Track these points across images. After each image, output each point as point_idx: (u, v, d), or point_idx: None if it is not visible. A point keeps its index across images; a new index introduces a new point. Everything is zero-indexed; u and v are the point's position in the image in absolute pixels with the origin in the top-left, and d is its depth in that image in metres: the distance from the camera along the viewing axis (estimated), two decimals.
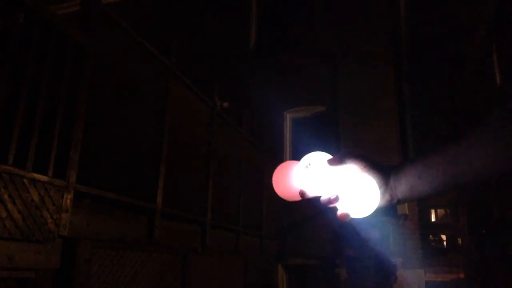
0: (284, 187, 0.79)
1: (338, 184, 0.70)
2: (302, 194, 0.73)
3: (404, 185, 0.70)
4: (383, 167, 0.71)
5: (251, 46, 8.84)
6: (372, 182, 0.69)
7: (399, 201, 0.72)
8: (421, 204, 7.24)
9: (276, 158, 7.28)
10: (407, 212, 6.76)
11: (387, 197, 0.71)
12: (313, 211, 7.29)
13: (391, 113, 7.29)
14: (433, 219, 29.85)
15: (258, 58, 8.61)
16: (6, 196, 1.89)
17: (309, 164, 0.73)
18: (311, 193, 0.73)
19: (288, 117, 8.15)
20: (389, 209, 6.73)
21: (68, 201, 2.27)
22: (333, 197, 0.69)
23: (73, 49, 2.44)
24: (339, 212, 0.70)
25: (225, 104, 6.90)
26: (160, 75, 3.50)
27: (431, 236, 26.69)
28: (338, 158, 0.71)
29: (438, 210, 29.90)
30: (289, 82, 7.83)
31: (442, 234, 28.78)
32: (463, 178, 0.66)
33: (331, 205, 0.70)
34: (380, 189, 0.70)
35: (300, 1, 8.70)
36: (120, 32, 2.96)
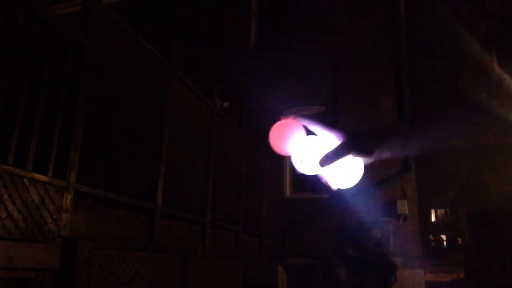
0: (281, 148, 0.93)
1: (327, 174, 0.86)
2: (298, 174, 0.90)
3: (386, 153, 0.84)
4: (367, 149, 0.84)
5: (251, 46, 8.84)
6: (356, 161, 0.83)
7: (382, 160, 0.86)
8: (421, 204, 7.24)
9: (276, 158, 7.28)
10: (407, 212, 6.76)
11: (369, 161, 0.85)
12: (313, 211, 7.29)
13: (391, 113, 7.29)
14: (433, 219, 29.86)
15: (258, 58, 8.60)
16: (6, 196, 1.89)
17: (302, 162, 0.88)
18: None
19: None
20: (389, 210, 6.73)
21: (68, 201, 2.27)
22: (323, 180, 0.87)
23: (73, 49, 2.44)
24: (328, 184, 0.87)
25: (225, 104, 6.90)
26: (160, 75, 3.50)
27: (431, 236, 26.70)
28: (328, 159, 0.84)
29: (438, 210, 29.92)
30: (289, 82, 7.83)
31: (442, 234, 28.80)
32: (436, 149, 0.84)
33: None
34: (364, 159, 0.84)
35: (300, 1, 8.70)
36: (120, 32, 2.96)
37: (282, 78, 7.99)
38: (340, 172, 0.83)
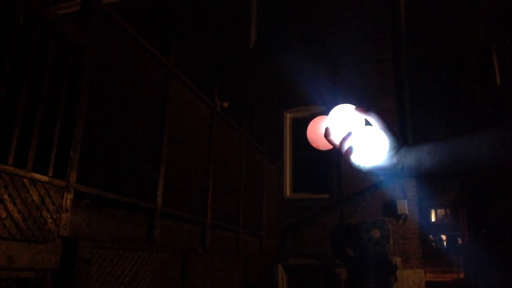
0: (316, 136, 0.89)
1: (355, 131, 0.80)
2: (326, 131, 0.83)
3: (413, 155, 0.79)
4: (399, 137, 0.81)
5: (251, 46, 8.84)
6: (384, 138, 0.79)
7: (403, 170, 0.80)
8: (421, 204, 7.24)
9: (276, 158, 7.29)
10: (407, 212, 6.76)
11: (394, 160, 0.79)
12: (313, 211, 7.29)
13: (391, 113, 7.29)
14: (433, 219, 29.89)
15: (258, 58, 8.61)
16: (6, 196, 1.89)
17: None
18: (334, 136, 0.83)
19: (288, 117, 8.15)
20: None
21: (68, 201, 2.27)
22: (347, 147, 0.79)
23: (73, 49, 2.44)
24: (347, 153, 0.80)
25: (225, 104, 6.90)
26: (160, 75, 3.50)
27: (431, 236, 26.69)
28: (365, 108, 0.81)
29: (438, 210, 29.94)
30: (289, 82, 7.84)
31: (442, 234, 28.82)
32: (463, 165, 0.75)
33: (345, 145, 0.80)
34: (391, 150, 0.79)
35: (300, 1, 8.70)
36: (120, 32, 2.96)
37: (282, 78, 7.99)
38: (364, 146, 0.78)
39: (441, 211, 29.88)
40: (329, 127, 0.83)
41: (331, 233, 7.10)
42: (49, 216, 2.14)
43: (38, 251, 2.10)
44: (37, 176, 2.07)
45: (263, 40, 8.83)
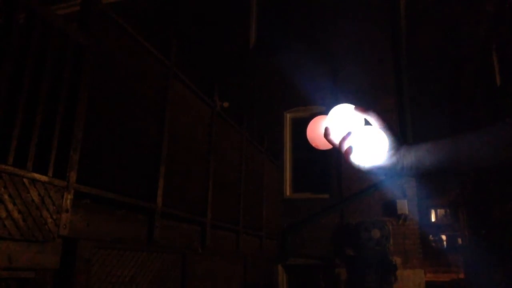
0: (316, 135, 0.90)
1: (354, 131, 0.80)
2: (326, 131, 0.83)
3: (413, 154, 0.78)
4: (399, 136, 0.81)
5: (251, 46, 8.84)
6: (383, 138, 0.78)
7: (403, 169, 0.79)
8: (421, 204, 7.24)
9: (276, 158, 7.29)
10: (407, 212, 6.76)
11: (393, 159, 0.79)
12: (313, 211, 7.29)
13: (391, 113, 7.29)
14: (433, 219, 29.89)
15: (258, 58, 8.61)
16: (6, 196, 1.89)
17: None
18: (333, 135, 0.82)
19: (288, 117, 8.15)
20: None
21: (68, 201, 2.27)
22: (346, 147, 0.79)
23: (73, 49, 2.44)
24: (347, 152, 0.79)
25: (225, 104, 6.90)
26: (160, 75, 3.50)
27: (431, 236, 26.69)
28: (364, 108, 0.81)
29: (438, 210, 29.93)
30: (289, 82, 7.84)
31: (442, 234, 28.82)
32: (463, 164, 0.76)
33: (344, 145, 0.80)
34: (390, 150, 0.79)
35: (300, 1, 8.70)
36: (120, 32, 2.96)
37: (282, 78, 7.99)
38: (364, 145, 0.78)
39: (441, 211, 29.87)
40: (328, 126, 0.82)
41: (331, 233, 7.10)
42: (49, 216, 2.14)
43: (38, 251, 2.10)
44: (37, 176, 2.07)
45: (263, 40, 8.83)
